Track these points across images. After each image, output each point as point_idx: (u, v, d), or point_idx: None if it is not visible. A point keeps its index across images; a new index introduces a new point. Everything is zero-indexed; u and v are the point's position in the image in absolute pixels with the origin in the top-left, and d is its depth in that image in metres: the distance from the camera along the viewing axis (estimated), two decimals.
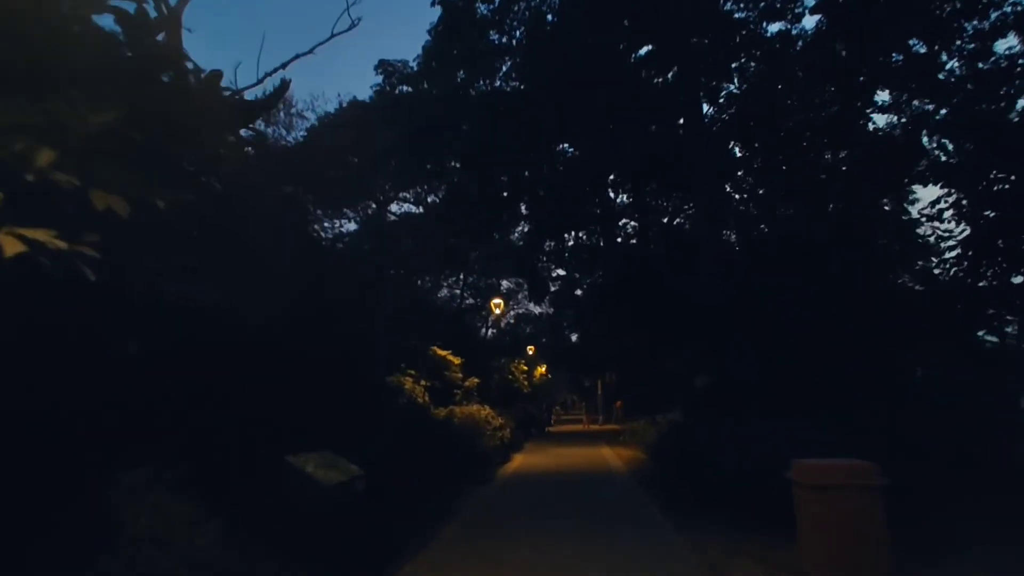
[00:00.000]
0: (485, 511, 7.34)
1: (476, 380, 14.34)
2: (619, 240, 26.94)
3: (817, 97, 16.95)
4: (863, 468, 4.07)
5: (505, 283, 40.16)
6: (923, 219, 10.34)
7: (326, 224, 26.02)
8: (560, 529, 6.03)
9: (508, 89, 18.60)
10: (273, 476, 4.10)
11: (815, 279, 9.03)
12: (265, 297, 5.39)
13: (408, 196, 29.50)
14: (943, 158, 12.13)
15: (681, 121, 18.48)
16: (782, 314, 8.94)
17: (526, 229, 29.68)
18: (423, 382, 13.72)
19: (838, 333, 8.04)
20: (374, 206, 29.30)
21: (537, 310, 42.93)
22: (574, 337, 44.69)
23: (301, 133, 18.62)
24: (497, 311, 16.55)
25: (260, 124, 15.90)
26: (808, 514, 4.24)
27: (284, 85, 8.84)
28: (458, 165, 21.22)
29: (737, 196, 21.40)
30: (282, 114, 16.54)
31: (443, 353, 13.69)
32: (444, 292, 37.19)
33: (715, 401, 10.90)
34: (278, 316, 5.60)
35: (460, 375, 13.73)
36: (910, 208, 14.01)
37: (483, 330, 39.07)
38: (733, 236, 17.84)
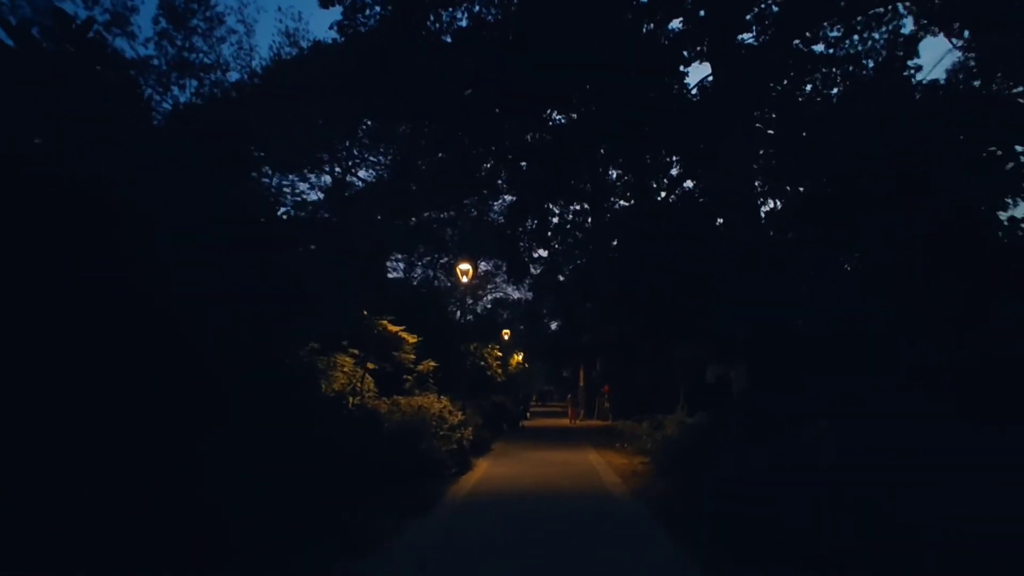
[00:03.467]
0: None
1: (432, 363, 11.44)
2: (608, 218, 24.34)
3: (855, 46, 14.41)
4: None
5: (483, 265, 37.62)
6: None
7: (285, 189, 22.81)
8: None
9: (490, 19, 15.58)
10: None
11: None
12: None
13: (376, 160, 26.38)
14: None
15: (688, 80, 15.89)
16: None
17: (506, 202, 27.02)
18: (369, 364, 10.87)
19: None
20: (339, 171, 26.19)
21: (515, 295, 40.63)
22: (554, 325, 42.42)
23: (227, 47, 15.16)
24: (465, 279, 13.67)
25: (163, 23, 12.66)
26: None
27: None
28: (428, 128, 18.08)
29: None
30: (198, 19, 13.21)
31: (395, 329, 10.83)
32: (418, 273, 34.51)
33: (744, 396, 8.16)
34: None
35: (413, 356, 10.85)
36: None
37: (457, 314, 36.38)
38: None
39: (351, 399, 9.89)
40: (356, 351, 10.63)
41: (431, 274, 35.10)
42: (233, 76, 14.94)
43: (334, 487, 5.16)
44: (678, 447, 7.91)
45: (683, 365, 12.46)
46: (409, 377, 10.95)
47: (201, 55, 13.47)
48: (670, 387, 13.21)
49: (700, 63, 17.47)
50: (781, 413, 7.01)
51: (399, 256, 31.73)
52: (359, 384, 10.25)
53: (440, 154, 16.66)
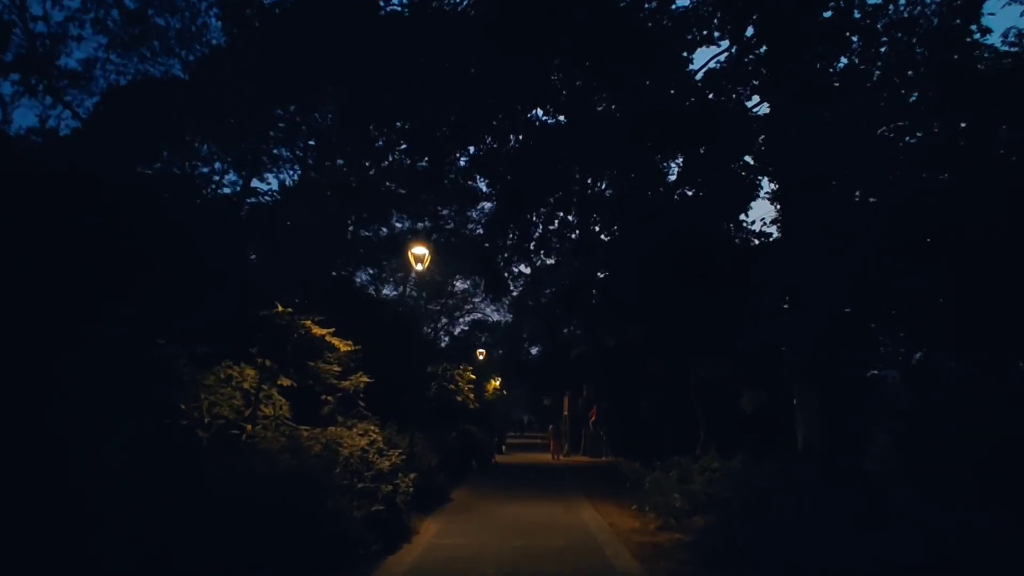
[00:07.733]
0: None
1: (364, 378, 8.31)
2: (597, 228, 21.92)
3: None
4: None
5: (460, 284, 35.10)
6: None
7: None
8: None
9: None
10: None
11: None
12: None
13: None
14: None
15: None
16: None
17: (485, 211, 24.75)
18: (283, 380, 7.86)
19: None
20: (298, 169, 23.43)
21: (495, 316, 37.98)
22: (535, 350, 39.65)
23: None
24: (419, 266, 10.74)
25: None
26: None
27: None
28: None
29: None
30: None
31: (320, 332, 7.87)
32: (391, 290, 31.89)
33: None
34: None
35: (336, 368, 7.80)
36: None
37: (431, 334, 33.51)
38: None
39: (247, 427, 6.86)
40: (268, 361, 7.65)
41: (404, 290, 32.46)
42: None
43: None
44: (735, 515, 4.99)
45: (704, 389, 9.59)
46: (329, 398, 7.85)
47: None
48: (685, 417, 10.32)
49: (707, 47, 15.20)
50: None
51: (371, 270, 29.17)
52: (264, 407, 7.21)
53: (399, 123, 13.89)
